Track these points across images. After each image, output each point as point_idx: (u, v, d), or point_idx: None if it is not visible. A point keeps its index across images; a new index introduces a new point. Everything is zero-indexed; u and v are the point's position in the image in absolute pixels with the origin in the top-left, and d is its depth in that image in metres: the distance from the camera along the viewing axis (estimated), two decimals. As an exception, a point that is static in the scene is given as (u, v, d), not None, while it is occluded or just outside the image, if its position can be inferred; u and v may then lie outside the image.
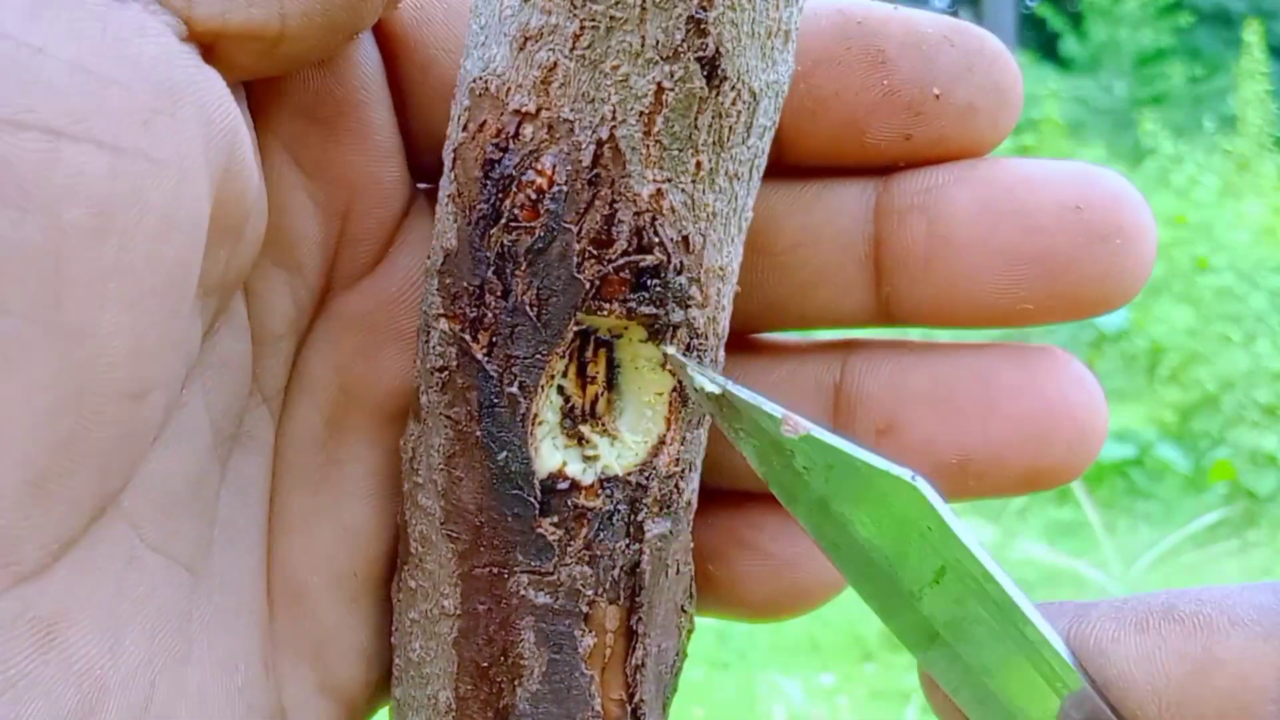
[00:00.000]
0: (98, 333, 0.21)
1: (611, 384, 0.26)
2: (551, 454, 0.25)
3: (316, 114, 0.27)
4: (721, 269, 0.25)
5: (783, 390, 0.30)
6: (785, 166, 0.29)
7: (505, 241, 0.23)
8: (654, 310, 0.24)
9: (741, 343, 0.31)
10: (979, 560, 0.22)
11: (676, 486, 0.26)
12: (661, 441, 0.25)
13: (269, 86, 0.26)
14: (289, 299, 0.27)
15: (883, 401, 0.29)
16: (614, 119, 0.23)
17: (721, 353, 0.26)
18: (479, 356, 0.24)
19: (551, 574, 0.25)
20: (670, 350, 0.25)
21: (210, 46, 0.23)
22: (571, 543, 0.25)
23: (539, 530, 0.25)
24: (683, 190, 0.23)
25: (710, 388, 0.24)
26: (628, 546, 0.25)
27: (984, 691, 0.22)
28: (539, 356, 0.24)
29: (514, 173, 0.23)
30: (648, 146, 0.23)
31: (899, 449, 0.28)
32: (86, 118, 0.20)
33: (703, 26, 0.22)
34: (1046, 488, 0.28)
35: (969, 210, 0.28)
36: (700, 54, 0.22)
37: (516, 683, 0.25)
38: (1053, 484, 0.28)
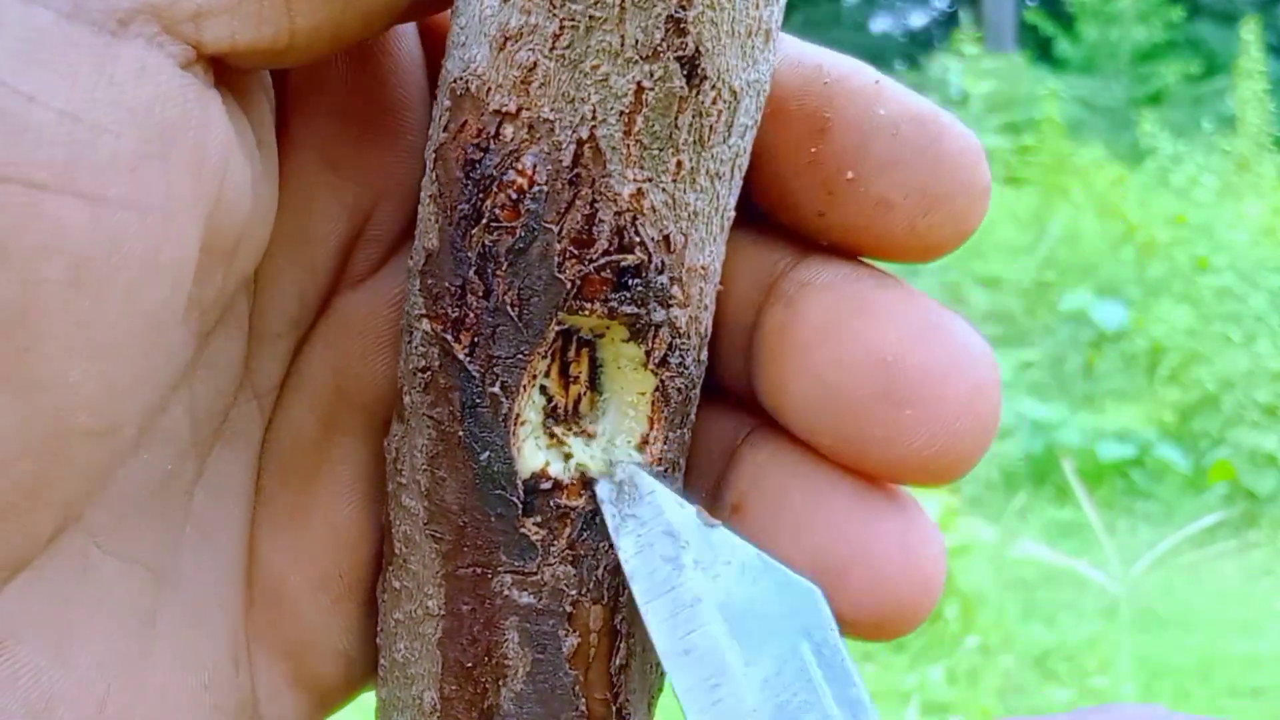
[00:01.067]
0: (66, 382, 0.20)
1: (594, 384, 0.26)
2: (534, 454, 0.25)
3: (353, 113, 0.26)
4: (703, 268, 0.25)
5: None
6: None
7: (486, 242, 0.23)
8: (635, 310, 0.24)
9: None
10: (859, 686, 0.22)
11: (661, 486, 0.26)
12: (645, 441, 0.25)
13: (308, 85, 0.26)
14: (296, 299, 0.27)
15: (743, 483, 0.27)
16: (594, 118, 0.23)
17: (705, 352, 0.26)
18: (461, 357, 0.24)
19: (535, 574, 0.25)
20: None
21: (216, 59, 0.22)
22: (555, 543, 0.25)
23: (522, 530, 0.25)
24: (663, 190, 0.23)
25: (619, 474, 0.24)
26: (611, 546, 0.25)
27: None
28: (521, 356, 0.24)
29: (494, 173, 0.23)
30: (628, 146, 0.23)
31: (740, 526, 0.26)
32: (71, 170, 0.20)
33: (682, 26, 0.22)
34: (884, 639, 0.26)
35: (813, 320, 0.26)
36: (680, 53, 0.22)
37: (501, 683, 0.25)
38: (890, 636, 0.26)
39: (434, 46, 0.28)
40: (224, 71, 0.23)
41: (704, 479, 0.28)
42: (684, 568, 0.23)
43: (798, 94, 0.26)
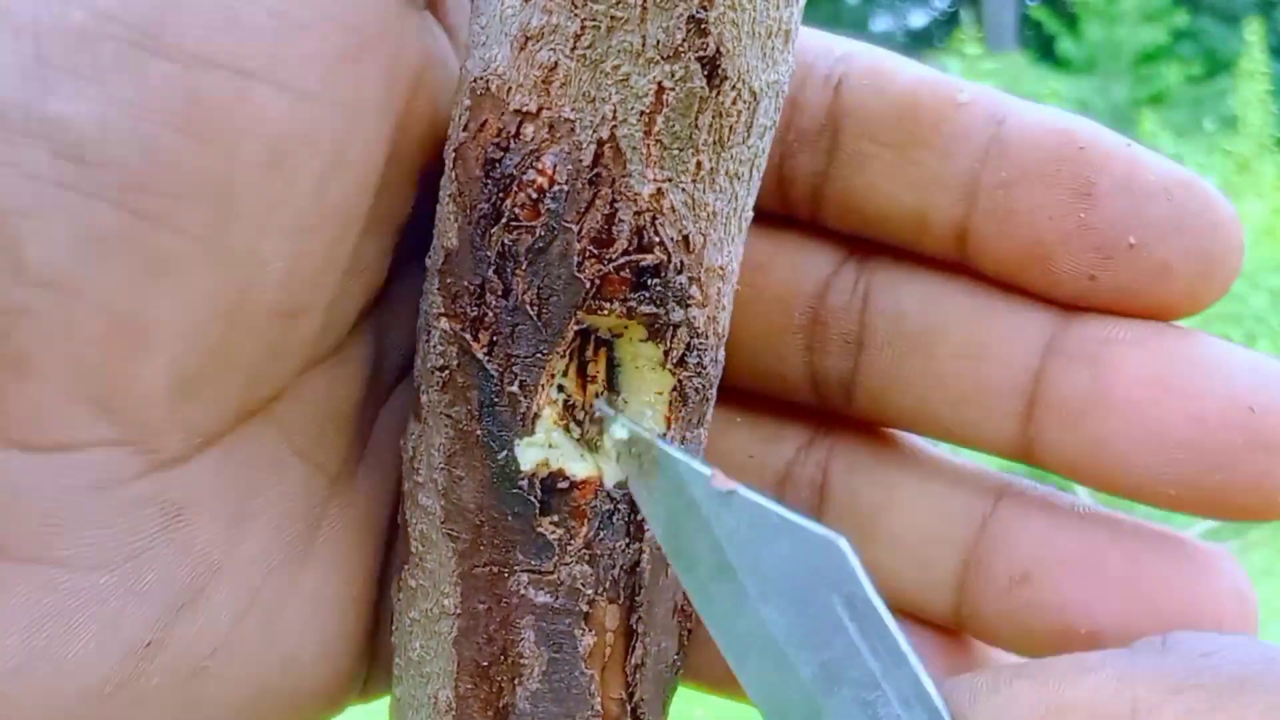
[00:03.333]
0: (258, 257, 0.22)
1: (611, 383, 0.26)
2: (550, 453, 0.25)
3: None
4: (722, 268, 0.25)
5: (929, 507, 0.29)
6: (967, 271, 0.28)
7: (506, 241, 0.23)
8: (654, 309, 0.24)
9: (899, 447, 0.30)
10: (888, 624, 0.22)
11: (677, 486, 0.26)
12: None
13: None
14: None
15: (1027, 551, 0.28)
16: (614, 118, 0.23)
17: (721, 352, 0.26)
18: (479, 355, 0.24)
19: (551, 573, 0.25)
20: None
21: None
22: (571, 542, 0.25)
23: (539, 529, 0.25)
24: (683, 190, 0.23)
25: (620, 435, 0.24)
26: (628, 545, 0.25)
27: None
28: (539, 355, 0.24)
29: (515, 172, 0.23)
30: (648, 146, 0.23)
31: (1029, 602, 0.27)
32: (276, 61, 0.22)
33: (703, 26, 0.22)
34: None
35: (1138, 377, 0.26)
36: (701, 54, 0.22)
37: (516, 682, 0.25)
38: None
39: None
40: None
41: (952, 552, 0.28)
42: (712, 533, 0.23)
43: (1056, 157, 0.26)
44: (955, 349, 0.28)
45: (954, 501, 0.29)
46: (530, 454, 0.25)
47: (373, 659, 0.29)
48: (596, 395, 0.25)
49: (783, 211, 0.29)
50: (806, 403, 0.30)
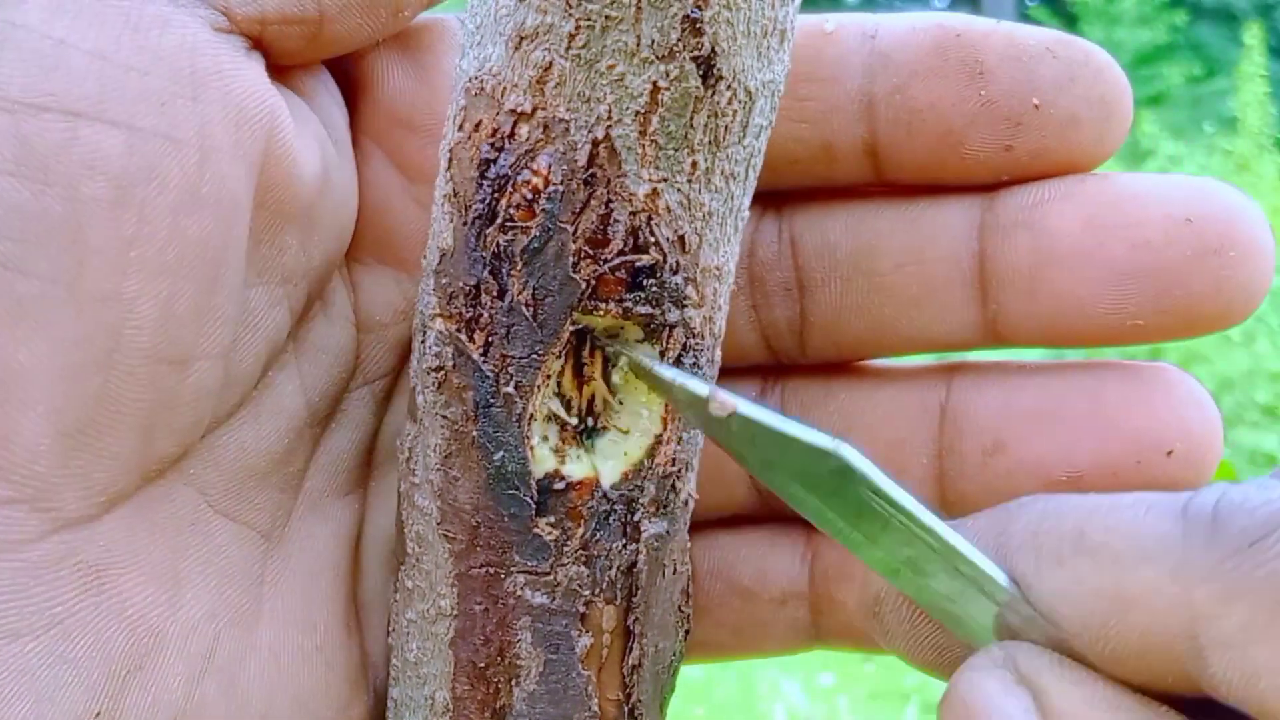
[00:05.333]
0: (121, 298, 0.22)
1: (608, 384, 0.26)
2: (548, 454, 0.25)
3: (414, 122, 0.28)
4: (717, 268, 0.25)
5: (888, 413, 0.30)
6: (885, 185, 0.29)
7: (501, 241, 0.23)
8: (650, 309, 0.24)
9: (847, 369, 0.31)
10: (914, 513, 0.22)
11: (673, 486, 0.26)
12: (658, 441, 0.25)
13: (366, 96, 0.28)
14: (396, 292, 0.29)
15: (990, 421, 0.28)
16: (609, 119, 0.23)
17: (718, 352, 0.26)
18: (475, 356, 0.24)
19: (548, 574, 0.25)
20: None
21: (256, 37, 0.24)
22: (568, 543, 0.25)
23: (535, 530, 0.25)
24: (678, 190, 0.23)
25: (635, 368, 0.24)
26: (624, 546, 0.25)
27: (943, 610, 0.23)
28: (535, 356, 0.24)
29: (510, 173, 0.23)
30: (643, 146, 0.23)
31: (1008, 468, 0.28)
32: (104, 100, 0.22)
33: (698, 26, 0.22)
34: None
35: (1074, 226, 0.27)
36: (696, 53, 0.22)
37: (513, 683, 0.25)
38: None
39: None
40: (284, 69, 0.25)
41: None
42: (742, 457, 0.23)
43: (938, 50, 0.27)
44: (893, 261, 0.29)
45: (908, 399, 0.30)
46: (543, 460, 0.25)
47: (372, 692, 0.29)
48: (593, 396, 0.25)
49: None
50: (762, 362, 0.31)
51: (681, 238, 0.24)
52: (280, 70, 0.25)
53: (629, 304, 0.24)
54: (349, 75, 0.28)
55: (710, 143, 0.23)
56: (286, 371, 0.27)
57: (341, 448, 0.28)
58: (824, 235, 0.30)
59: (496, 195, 0.23)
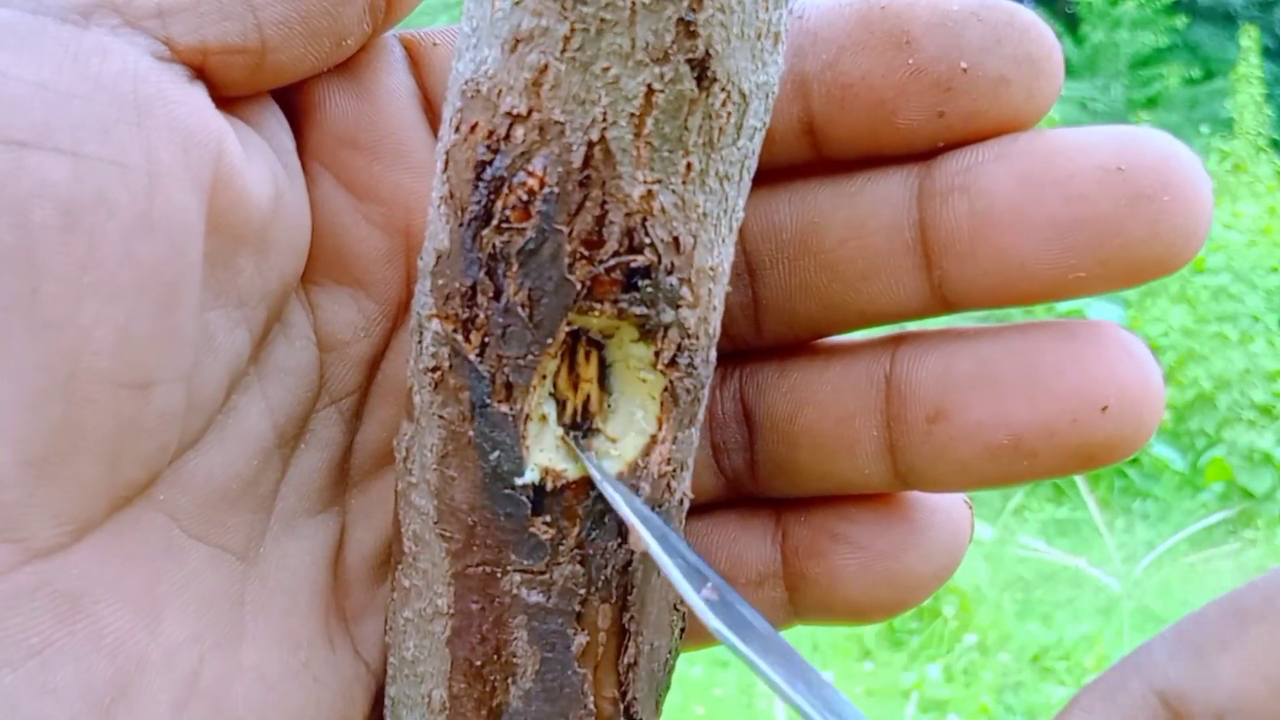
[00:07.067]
0: (78, 322, 0.22)
1: (603, 384, 0.26)
2: (543, 454, 0.25)
3: (358, 142, 0.28)
4: (712, 269, 0.25)
5: (837, 389, 0.30)
6: (824, 162, 0.29)
7: (497, 243, 0.24)
8: (645, 310, 0.24)
9: (796, 349, 0.31)
10: (763, 672, 0.22)
11: (668, 486, 0.26)
12: (653, 441, 0.25)
13: (310, 119, 0.28)
14: (356, 311, 0.29)
15: (931, 389, 0.28)
16: (604, 121, 0.23)
17: (713, 353, 0.26)
18: (471, 357, 0.24)
19: (544, 573, 0.25)
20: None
21: (199, 66, 0.24)
22: (564, 542, 0.25)
23: (531, 530, 0.25)
24: (673, 191, 0.24)
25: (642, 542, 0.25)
26: (620, 545, 0.25)
27: None
28: (531, 357, 0.24)
29: (505, 174, 0.23)
30: (638, 148, 0.23)
31: (950, 435, 0.28)
32: (48, 128, 0.22)
33: (692, 28, 0.22)
34: (1104, 464, 0.28)
35: (1009, 184, 0.27)
36: (690, 56, 0.22)
37: (510, 681, 0.25)
38: (1110, 459, 0.27)
39: (421, 77, 0.29)
40: (230, 100, 0.25)
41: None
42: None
43: (864, 23, 0.28)
44: (837, 236, 0.29)
45: (855, 373, 0.30)
46: (538, 459, 0.25)
47: (370, 702, 0.29)
48: (588, 396, 0.26)
49: None
50: (720, 349, 0.31)
51: (676, 239, 0.24)
52: (225, 102, 0.25)
53: (624, 305, 0.24)
54: (291, 100, 0.28)
55: (705, 144, 0.23)
56: (250, 394, 0.27)
57: (312, 466, 0.28)
58: (769, 217, 0.30)
59: (492, 197, 0.23)
